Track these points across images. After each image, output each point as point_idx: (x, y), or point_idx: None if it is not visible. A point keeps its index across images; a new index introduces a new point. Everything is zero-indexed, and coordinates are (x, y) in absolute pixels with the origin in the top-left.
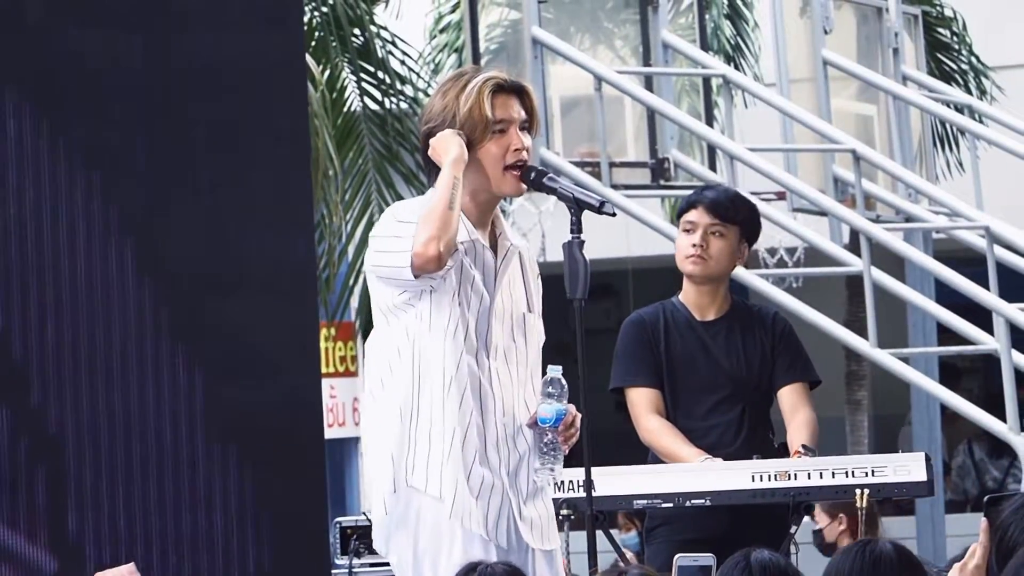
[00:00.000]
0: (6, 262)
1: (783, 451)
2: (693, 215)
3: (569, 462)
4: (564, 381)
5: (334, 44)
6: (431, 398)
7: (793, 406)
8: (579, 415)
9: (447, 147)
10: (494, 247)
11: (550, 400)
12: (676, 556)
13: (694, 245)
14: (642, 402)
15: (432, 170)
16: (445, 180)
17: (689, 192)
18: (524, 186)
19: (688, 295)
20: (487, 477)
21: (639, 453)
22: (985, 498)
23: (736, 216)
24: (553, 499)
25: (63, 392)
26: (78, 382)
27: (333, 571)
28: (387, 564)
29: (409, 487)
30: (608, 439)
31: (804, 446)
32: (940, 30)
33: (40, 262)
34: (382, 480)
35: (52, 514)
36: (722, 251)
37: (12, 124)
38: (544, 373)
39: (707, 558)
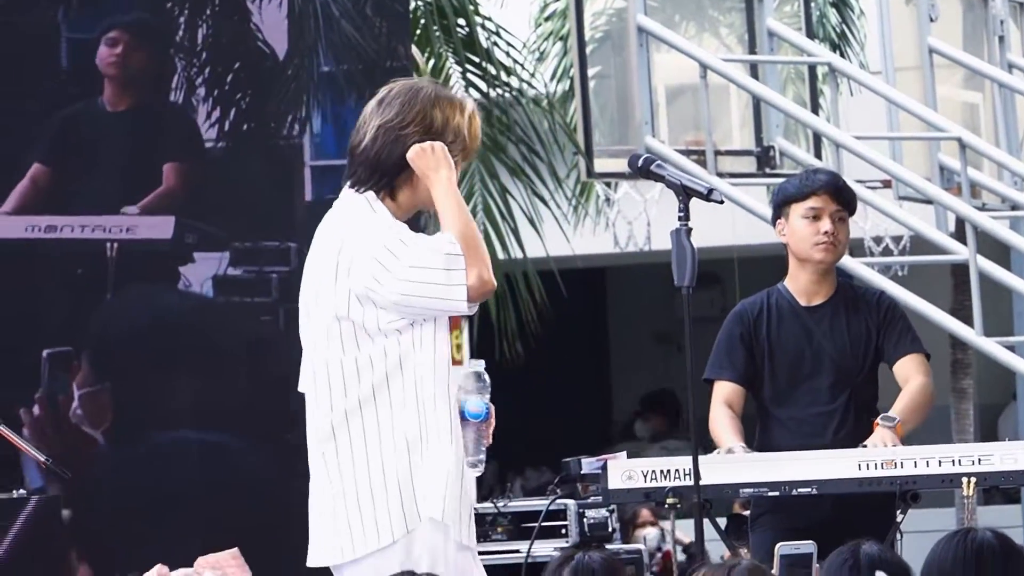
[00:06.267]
0: None
1: None
2: (816, 202)
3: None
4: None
5: (438, 34)
6: (435, 422)
7: (906, 376)
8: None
9: (439, 164)
10: None
11: (479, 394)
12: (777, 545)
13: (825, 232)
14: (717, 394)
15: (404, 168)
16: (462, 204)
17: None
18: None
19: (797, 281)
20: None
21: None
22: None
23: (853, 201)
24: (660, 487)
25: None
26: None
27: None
28: None
29: (422, 517)
30: None
31: (884, 416)
32: None
33: None
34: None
35: None
36: (847, 236)
37: None
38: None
39: (808, 545)
